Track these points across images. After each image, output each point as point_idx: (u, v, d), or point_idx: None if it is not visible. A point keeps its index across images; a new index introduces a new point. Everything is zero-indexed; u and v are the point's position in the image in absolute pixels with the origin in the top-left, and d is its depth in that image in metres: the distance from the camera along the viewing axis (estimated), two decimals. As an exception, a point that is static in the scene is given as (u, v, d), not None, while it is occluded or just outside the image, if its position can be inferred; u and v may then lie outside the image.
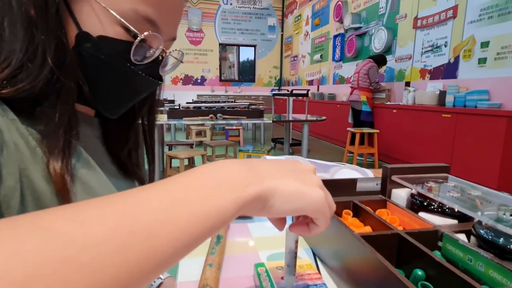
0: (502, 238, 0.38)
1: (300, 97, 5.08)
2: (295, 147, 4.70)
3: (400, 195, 0.54)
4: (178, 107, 4.04)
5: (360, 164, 4.29)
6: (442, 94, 3.55)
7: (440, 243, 0.43)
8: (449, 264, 0.34)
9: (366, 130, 3.96)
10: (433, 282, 0.36)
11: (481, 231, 0.39)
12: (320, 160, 0.98)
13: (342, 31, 5.97)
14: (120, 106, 0.38)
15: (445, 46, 3.68)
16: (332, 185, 0.62)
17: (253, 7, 8.92)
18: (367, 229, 0.49)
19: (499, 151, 2.73)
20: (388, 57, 4.66)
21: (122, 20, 0.32)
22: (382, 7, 4.80)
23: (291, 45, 8.79)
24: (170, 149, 3.91)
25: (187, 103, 5.80)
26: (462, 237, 0.42)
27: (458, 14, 3.49)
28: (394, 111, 4.06)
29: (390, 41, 4.59)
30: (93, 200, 0.20)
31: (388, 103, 4.36)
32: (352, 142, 4.05)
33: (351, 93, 4.48)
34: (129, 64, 0.34)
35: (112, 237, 0.18)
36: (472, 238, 0.41)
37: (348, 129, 4.11)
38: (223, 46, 9.02)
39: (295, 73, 8.61)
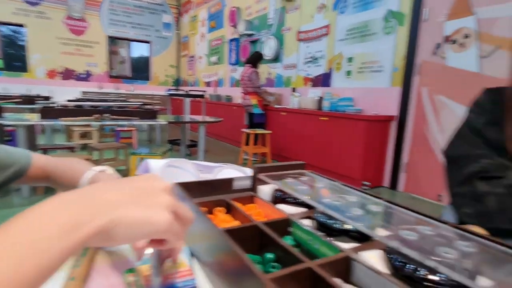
0: (332, 220, 0.48)
1: (198, 98, 5.08)
2: (192, 148, 4.68)
3: (266, 190, 0.62)
4: (54, 105, 3.50)
5: (254, 163, 4.54)
6: (320, 100, 4.10)
7: (291, 229, 0.52)
8: (289, 246, 0.42)
9: (259, 131, 4.24)
10: (281, 262, 0.43)
11: (317, 216, 0.49)
12: (215, 161, 1.03)
13: (237, 36, 6.23)
14: None
15: (322, 58, 4.26)
16: (211, 185, 0.66)
17: (146, 1, 8.44)
18: (236, 224, 0.55)
19: (361, 148, 3.33)
20: (277, 65, 5.10)
21: None
22: (271, 18, 5.22)
23: (188, 45, 8.69)
24: (45, 153, 3.35)
25: (69, 100, 5.08)
26: (307, 222, 0.51)
27: (330, 32, 4.09)
28: (283, 113, 4.48)
29: (278, 50, 5.04)
30: None
31: (278, 106, 4.77)
32: (248, 143, 4.29)
33: (243, 98, 4.73)
34: None
35: None
36: (314, 222, 0.51)
37: (242, 130, 4.33)
38: (112, 39, 8.24)
39: (193, 73, 8.54)
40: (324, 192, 0.58)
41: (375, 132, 3.36)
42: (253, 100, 4.50)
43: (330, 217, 0.49)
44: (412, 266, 0.35)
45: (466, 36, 2.73)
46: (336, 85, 4.09)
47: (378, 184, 3.53)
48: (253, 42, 5.75)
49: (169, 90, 7.64)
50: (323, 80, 4.29)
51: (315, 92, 4.32)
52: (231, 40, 6.44)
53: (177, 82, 9.36)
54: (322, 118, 3.80)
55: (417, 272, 0.35)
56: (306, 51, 4.54)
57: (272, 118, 4.69)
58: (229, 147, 5.81)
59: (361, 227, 0.41)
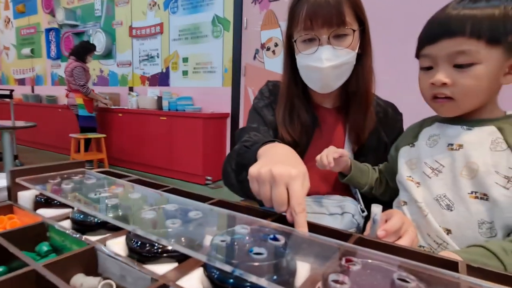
0: (88, 217, 0.46)
1: (3, 99, 4.01)
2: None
3: (27, 197, 0.54)
4: None
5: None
6: (160, 99, 4.01)
7: (48, 234, 0.47)
8: (17, 251, 0.37)
9: (91, 135, 3.77)
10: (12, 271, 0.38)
11: (75, 215, 0.46)
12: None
13: (56, 25, 5.29)
14: None
15: (158, 57, 4.18)
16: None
17: None
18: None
19: (201, 145, 3.47)
20: (109, 61, 4.65)
21: None
22: (98, 9, 4.70)
23: (-14, 31, 6.74)
24: None
25: None
26: (66, 223, 0.47)
27: (164, 30, 4.06)
28: (120, 115, 4.13)
29: (110, 45, 4.60)
30: None
31: (115, 107, 4.36)
32: (79, 150, 3.73)
33: (66, 96, 4.05)
34: None
35: None
36: (71, 222, 0.47)
37: (70, 135, 3.73)
38: None
39: (-3, 68, 6.70)
40: (93, 189, 0.56)
41: (213, 129, 3.57)
42: (78, 100, 3.88)
43: (87, 214, 0.47)
44: (148, 244, 0.37)
45: (276, 45, 3.27)
46: (175, 84, 4.10)
47: (220, 178, 3.79)
48: (78, 34, 5.02)
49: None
50: (161, 79, 4.21)
51: (154, 92, 4.20)
52: (49, 30, 5.41)
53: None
54: (162, 118, 3.74)
55: (152, 249, 0.37)
56: (141, 49, 4.33)
57: (107, 120, 4.25)
58: (56, 157, 4.90)
59: (110, 219, 0.41)
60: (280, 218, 0.49)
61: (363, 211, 0.77)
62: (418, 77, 0.59)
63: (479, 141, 0.53)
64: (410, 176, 0.61)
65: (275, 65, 3.30)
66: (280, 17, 3.19)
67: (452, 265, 0.40)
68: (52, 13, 5.27)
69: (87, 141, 3.86)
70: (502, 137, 0.51)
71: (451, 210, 0.53)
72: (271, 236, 0.35)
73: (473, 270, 0.39)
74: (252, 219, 0.41)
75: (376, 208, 0.54)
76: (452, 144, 0.55)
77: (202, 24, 3.71)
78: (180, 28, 3.89)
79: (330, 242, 0.36)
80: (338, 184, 0.87)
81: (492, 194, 0.50)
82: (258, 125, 0.84)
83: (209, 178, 3.54)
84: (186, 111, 3.74)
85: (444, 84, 0.52)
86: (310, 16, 0.70)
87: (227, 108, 3.68)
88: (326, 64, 0.72)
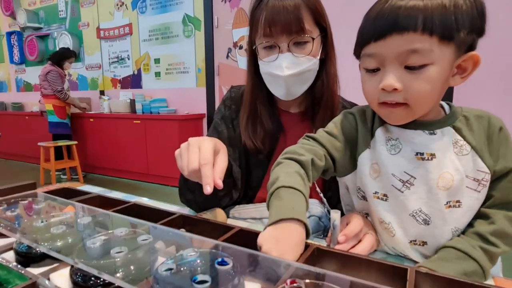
0: (32, 248, 0.43)
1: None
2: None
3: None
4: None
5: (63, 181, 3.86)
6: (133, 103, 3.90)
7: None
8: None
9: (62, 142, 3.62)
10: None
11: (18, 245, 0.44)
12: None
13: (18, 28, 5.02)
14: None
15: (128, 59, 4.06)
16: None
17: None
18: None
19: (177, 147, 3.40)
20: (78, 64, 4.48)
21: None
22: (62, 10, 4.50)
23: None
24: None
25: None
26: (7, 255, 0.44)
27: (133, 31, 3.94)
28: (92, 120, 3.99)
29: (77, 48, 4.41)
30: None
31: (87, 112, 4.19)
32: (57, 158, 3.58)
33: (40, 102, 3.88)
34: None
35: None
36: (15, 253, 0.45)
37: (39, 144, 3.57)
38: None
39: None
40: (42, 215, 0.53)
41: (189, 131, 3.51)
42: (48, 105, 3.72)
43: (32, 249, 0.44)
44: (92, 278, 0.36)
45: (248, 43, 3.25)
46: (147, 86, 4.00)
47: (199, 178, 3.74)
48: (43, 37, 4.79)
49: None
50: (133, 82, 4.10)
51: (126, 95, 4.08)
52: (10, 33, 5.13)
53: None
54: (136, 122, 3.64)
55: (97, 281, 0.35)
56: (110, 50, 4.19)
57: (79, 126, 4.09)
58: (25, 166, 4.68)
59: (51, 251, 0.39)
60: (234, 236, 0.49)
61: (330, 213, 0.77)
62: (361, 79, 0.51)
63: (446, 147, 0.49)
64: (376, 193, 0.54)
65: (248, 64, 3.28)
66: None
67: (401, 272, 0.41)
68: (13, 16, 5.00)
69: (59, 149, 3.70)
70: (462, 139, 0.49)
71: (428, 224, 0.50)
72: (219, 260, 0.34)
73: (421, 276, 0.40)
74: (203, 240, 0.40)
75: (334, 214, 0.54)
76: (422, 154, 0.49)
77: (172, 24, 3.64)
78: (150, 29, 3.79)
79: (281, 261, 0.36)
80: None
81: (465, 199, 0.49)
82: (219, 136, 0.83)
83: (187, 180, 3.49)
84: (160, 114, 3.66)
85: (395, 89, 0.45)
86: (269, 23, 0.69)
87: (202, 109, 3.63)
88: (286, 72, 0.71)
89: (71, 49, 4.33)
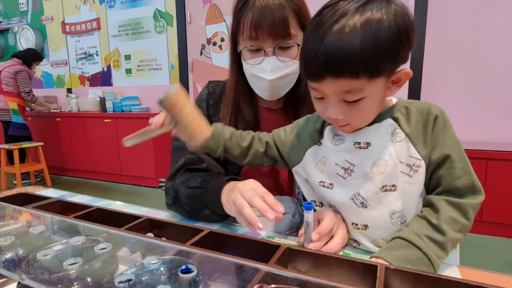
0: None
1: None
2: None
3: None
4: None
5: (28, 185, 3.66)
6: (103, 101, 3.75)
7: None
8: None
9: (26, 144, 3.41)
10: None
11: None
12: None
13: (-27, 22, 4.67)
14: None
15: (97, 55, 3.89)
16: None
17: None
18: None
19: (151, 146, 3.31)
20: (43, 62, 4.23)
21: None
22: (22, 4, 4.23)
23: None
24: None
25: None
26: None
27: (101, 26, 3.77)
28: (58, 119, 3.80)
29: (40, 43, 4.17)
30: None
31: (54, 110, 3.97)
32: (12, 162, 3.35)
33: None
34: None
35: None
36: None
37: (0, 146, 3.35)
38: None
39: None
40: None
41: (163, 129, 3.42)
42: (13, 104, 3.47)
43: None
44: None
45: (222, 39, 3.21)
46: (118, 83, 3.85)
47: (175, 178, 3.66)
48: (2, 32, 4.48)
49: None
50: (103, 79, 3.93)
51: (96, 92, 3.91)
52: (-36, 27, 4.76)
53: None
54: (106, 120, 3.50)
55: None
56: (77, 46, 3.99)
57: (43, 126, 3.88)
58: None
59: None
60: (204, 239, 0.47)
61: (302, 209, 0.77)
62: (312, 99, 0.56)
63: (382, 136, 0.54)
64: (321, 182, 0.59)
65: (222, 60, 3.24)
66: (224, 12, 3.13)
67: (371, 269, 0.41)
68: (-34, 8, 4.64)
69: (21, 152, 3.48)
70: (399, 127, 0.53)
71: (366, 207, 0.54)
72: (183, 267, 0.32)
73: (391, 272, 0.40)
74: (167, 246, 0.38)
75: (307, 213, 0.54)
76: (359, 143, 0.55)
77: (143, 19, 3.52)
78: (120, 24, 3.65)
79: (248, 266, 0.34)
80: (278, 184, 0.87)
81: (399, 184, 0.52)
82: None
83: (162, 180, 3.41)
84: (132, 112, 3.54)
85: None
86: (256, 26, 0.69)
87: (176, 107, 3.54)
88: (271, 76, 0.73)
89: (33, 44, 4.10)
